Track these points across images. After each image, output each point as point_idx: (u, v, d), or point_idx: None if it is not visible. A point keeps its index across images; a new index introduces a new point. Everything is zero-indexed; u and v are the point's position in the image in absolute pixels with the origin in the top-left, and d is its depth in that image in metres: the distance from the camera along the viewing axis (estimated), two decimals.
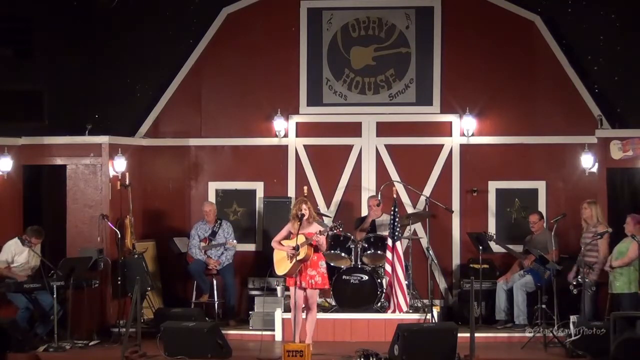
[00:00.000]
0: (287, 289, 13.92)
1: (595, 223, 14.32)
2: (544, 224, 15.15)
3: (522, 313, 14.68)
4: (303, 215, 13.10)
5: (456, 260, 15.82)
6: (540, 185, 15.70)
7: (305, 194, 15.31)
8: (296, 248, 13.01)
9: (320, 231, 13.12)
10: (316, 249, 13.17)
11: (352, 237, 14.86)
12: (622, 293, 13.78)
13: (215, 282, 15.28)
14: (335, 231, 13.98)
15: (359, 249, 14.79)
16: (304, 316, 13.35)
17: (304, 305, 13.28)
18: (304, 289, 13.18)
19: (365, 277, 14.57)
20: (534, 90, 15.74)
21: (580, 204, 14.73)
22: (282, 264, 13.22)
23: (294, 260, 13.04)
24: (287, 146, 16.12)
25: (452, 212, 15.72)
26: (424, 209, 15.52)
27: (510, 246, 15.14)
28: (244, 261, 15.93)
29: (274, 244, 13.36)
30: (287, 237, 13.29)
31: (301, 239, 13.05)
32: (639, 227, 13.84)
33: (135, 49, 16.29)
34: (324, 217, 15.10)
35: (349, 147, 16.03)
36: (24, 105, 16.29)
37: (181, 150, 16.31)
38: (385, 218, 15.07)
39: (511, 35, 15.77)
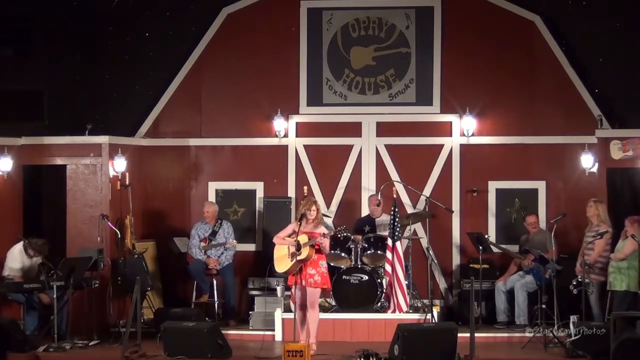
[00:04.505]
0: (287, 288, 13.92)
1: (598, 222, 14.31)
2: (541, 224, 15.18)
3: (523, 313, 14.68)
4: (304, 215, 13.06)
5: (456, 260, 15.82)
6: (540, 185, 15.70)
7: (305, 194, 15.32)
8: (298, 247, 13.00)
9: (324, 234, 13.12)
10: (318, 249, 13.17)
11: (352, 237, 14.86)
12: (619, 290, 13.78)
13: (215, 282, 15.28)
14: (339, 235, 14.00)
15: (359, 249, 14.79)
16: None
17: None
18: (305, 288, 13.19)
19: (365, 277, 14.57)
20: (534, 90, 15.74)
21: (579, 204, 14.74)
22: (282, 262, 13.21)
23: (295, 259, 13.04)
24: (287, 146, 16.12)
25: (452, 212, 15.72)
26: (424, 209, 15.52)
27: (509, 247, 15.15)
28: (244, 261, 15.93)
29: (276, 239, 13.33)
30: (291, 236, 13.26)
31: (304, 238, 13.05)
32: (637, 226, 13.84)
33: (135, 49, 16.30)
34: (324, 217, 15.10)
35: (349, 147, 16.03)
36: (24, 105, 16.28)
37: (181, 150, 16.31)
38: (385, 218, 15.07)
39: (511, 36, 15.77)
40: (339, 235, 13.97)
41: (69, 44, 16.21)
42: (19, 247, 14.51)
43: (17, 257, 14.45)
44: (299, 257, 13.00)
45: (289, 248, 13.11)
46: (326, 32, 16.12)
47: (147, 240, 15.92)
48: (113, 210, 15.33)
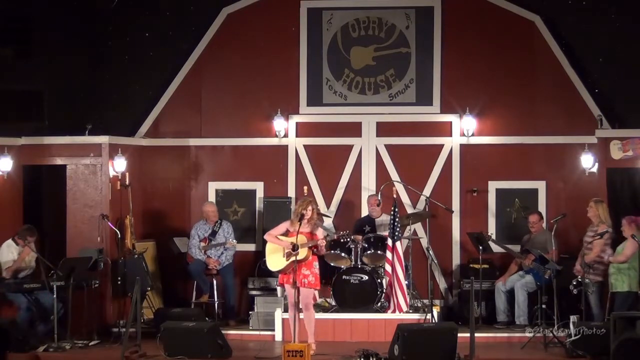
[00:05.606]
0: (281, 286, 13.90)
1: (597, 223, 14.30)
2: (543, 224, 15.18)
3: (523, 313, 14.68)
4: (303, 215, 13.06)
5: (456, 260, 15.82)
6: (540, 185, 15.70)
7: (305, 194, 15.32)
8: (295, 248, 12.98)
9: (326, 236, 13.11)
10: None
11: (352, 237, 14.85)
12: (620, 291, 13.79)
13: (215, 282, 15.28)
14: (342, 240, 13.98)
15: (359, 249, 14.79)
16: (302, 315, 13.34)
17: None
18: (297, 288, 13.14)
19: (365, 277, 14.56)
20: (534, 90, 15.74)
21: (580, 204, 14.75)
22: (276, 260, 13.17)
23: (291, 259, 13.01)
24: (287, 146, 16.12)
25: (452, 212, 15.72)
26: (424, 209, 15.52)
27: (510, 246, 15.15)
28: (244, 261, 15.93)
29: (269, 237, 13.28)
30: (284, 234, 13.24)
31: (302, 239, 13.03)
32: (634, 226, 13.85)
33: (135, 49, 16.29)
34: (324, 217, 15.11)
35: (349, 147, 16.03)
36: (24, 105, 16.28)
37: (181, 150, 16.31)
38: (385, 218, 15.07)
39: (511, 35, 15.77)
40: (342, 240, 14.00)
41: (69, 44, 16.20)
42: (6, 242, 14.52)
43: (4, 251, 14.44)
44: (297, 258, 12.98)
45: (284, 249, 13.08)
46: (326, 32, 16.11)
47: (147, 240, 15.92)
48: (113, 210, 15.33)
